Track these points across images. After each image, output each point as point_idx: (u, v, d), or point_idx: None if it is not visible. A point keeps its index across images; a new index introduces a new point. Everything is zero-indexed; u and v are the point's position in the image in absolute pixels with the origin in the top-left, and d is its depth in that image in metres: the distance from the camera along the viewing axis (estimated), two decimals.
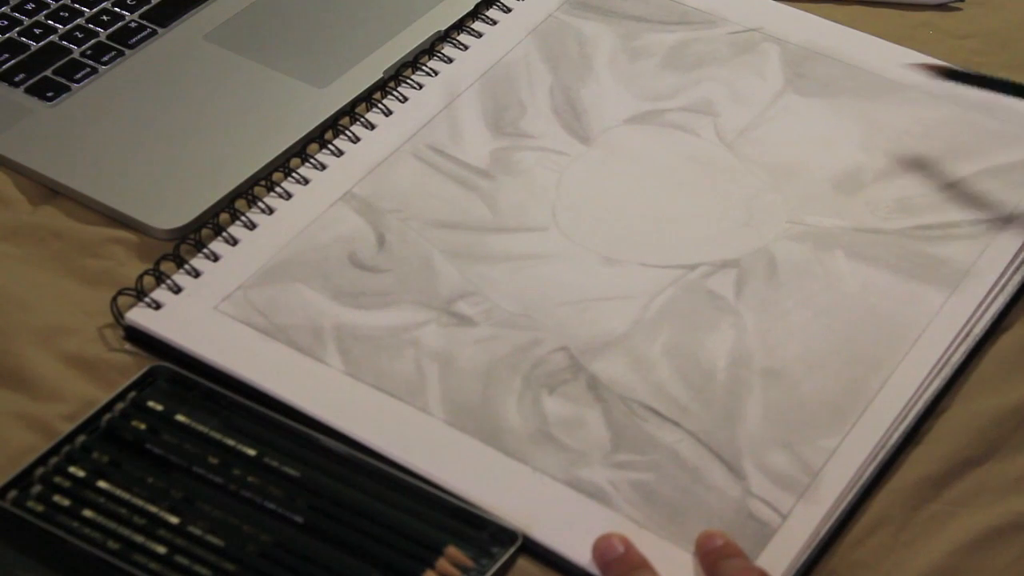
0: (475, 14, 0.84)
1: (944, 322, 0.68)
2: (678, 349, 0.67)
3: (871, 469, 0.63)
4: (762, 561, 0.60)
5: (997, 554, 0.61)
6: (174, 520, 0.61)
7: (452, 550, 0.60)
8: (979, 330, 0.69)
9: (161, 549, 0.60)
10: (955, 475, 0.64)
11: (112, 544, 0.60)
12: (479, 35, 0.82)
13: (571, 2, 0.84)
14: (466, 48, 0.82)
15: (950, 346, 0.67)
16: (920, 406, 0.66)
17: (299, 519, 0.61)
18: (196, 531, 0.60)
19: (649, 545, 0.60)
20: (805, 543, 0.61)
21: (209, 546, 0.60)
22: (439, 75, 0.80)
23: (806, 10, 0.84)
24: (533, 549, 0.61)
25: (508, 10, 0.84)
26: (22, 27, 0.82)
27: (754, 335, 0.68)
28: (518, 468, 0.63)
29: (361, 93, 0.79)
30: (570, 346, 0.67)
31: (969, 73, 0.77)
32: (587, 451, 0.64)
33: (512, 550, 0.61)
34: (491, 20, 0.83)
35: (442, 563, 0.60)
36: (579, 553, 0.60)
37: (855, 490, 0.63)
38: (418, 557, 0.60)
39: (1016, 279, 0.71)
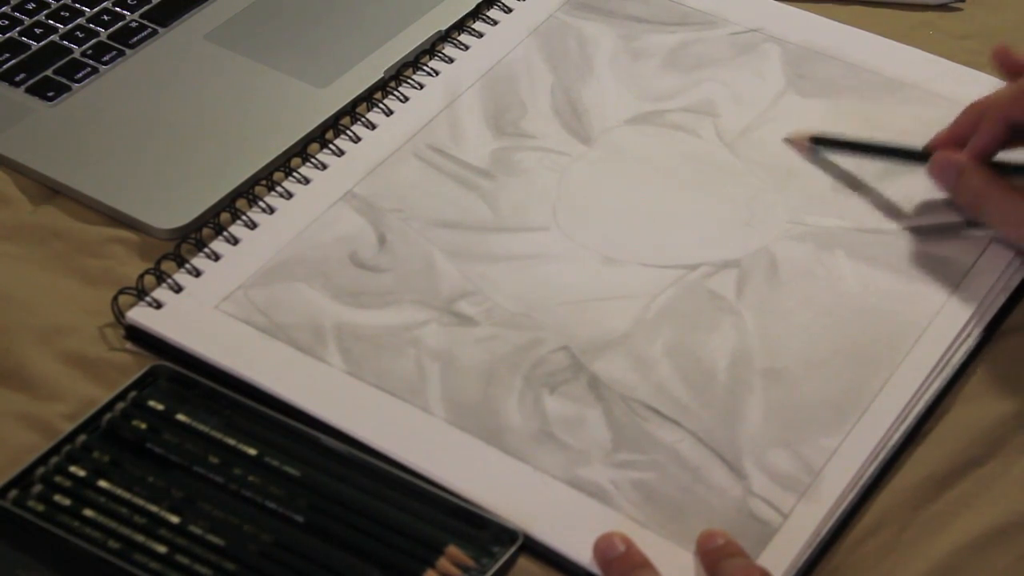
0: (476, 14, 0.83)
1: (945, 321, 0.68)
2: (679, 349, 0.67)
3: (872, 469, 0.63)
4: (763, 560, 0.60)
5: (999, 554, 0.61)
6: (175, 519, 0.61)
7: (453, 549, 0.60)
8: (980, 330, 0.69)
9: (162, 548, 0.60)
10: (957, 475, 0.64)
11: (113, 543, 0.60)
12: (480, 35, 0.82)
13: (572, 3, 0.84)
14: (467, 48, 0.82)
15: (951, 346, 0.67)
16: (921, 406, 0.66)
17: (300, 518, 0.61)
18: (197, 531, 0.60)
19: (650, 544, 0.60)
20: (806, 542, 0.61)
21: (210, 545, 0.60)
22: (440, 75, 0.80)
23: (807, 10, 0.84)
24: (534, 548, 0.61)
25: (509, 10, 0.84)
26: (23, 27, 0.82)
27: (755, 335, 0.68)
28: (519, 467, 0.63)
29: (362, 93, 0.79)
30: (571, 346, 0.67)
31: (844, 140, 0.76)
32: (588, 450, 0.63)
33: (513, 549, 0.60)
34: (492, 20, 0.83)
35: (443, 562, 0.60)
36: (580, 552, 0.60)
37: (856, 490, 0.63)
38: (419, 556, 0.60)
39: (1017, 279, 0.71)
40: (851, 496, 0.62)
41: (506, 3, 0.84)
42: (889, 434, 0.64)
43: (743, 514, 0.61)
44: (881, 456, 0.64)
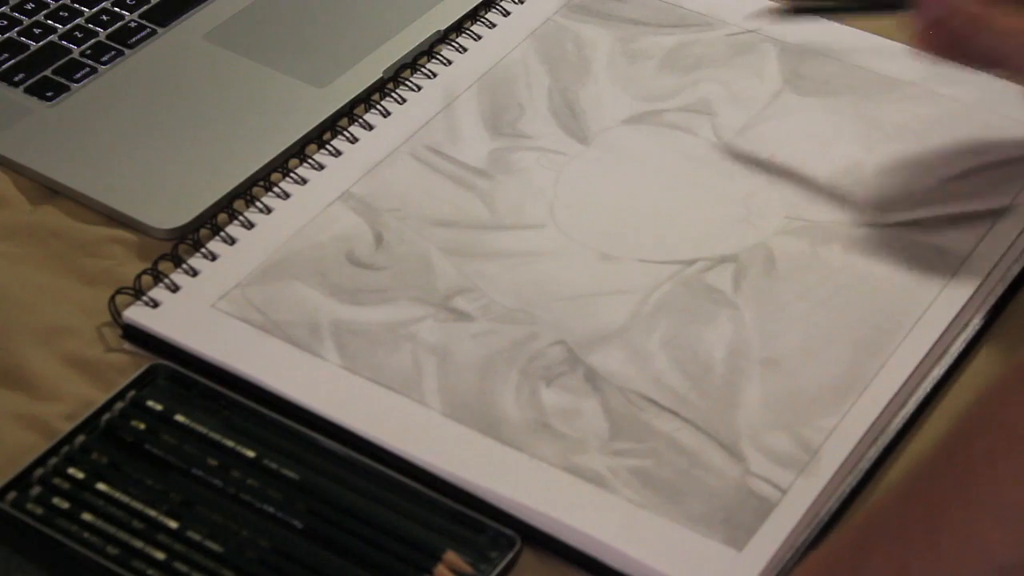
0: (473, 17, 0.84)
1: (942, 308, 0.68)
2: (676, 341, 0.67)
3: (872, 452, 0.63)
4: (763, 534, 0.59)
5: None
6: (173, 525, 0.60)
7: (451, 555, 0.60)
8: (979, 319, 0.68)
9: (160, 555, 0.59)
10: None
11: (111, 549, 0.59)
12: (477, 38, 0.82)
13: (569, 6, 0.84)
14: (464, 51, 0.82)
15: (948, 330, 0.67)
16: (920, 393, 0.65)
17: (298, 524, 0.60)
18: (195, 536, 0.60)
19: (649, 524, 0.60)
20: (806, 513, 0.60)
21: (208, 552, 0.59)
22: (437, 77, 0.80)
23: None
24: (531, 535, 0.61)
25: (507, 13, 0.84)
26: (22, 27, 0.82)
27: (752, 327, 0.68)
28: (515, 456, 0.63)
29: (360, 94, 0.79)
30: (567, 340, 0.67)
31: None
32: (585, 439, 0.63)
33: (511, 555, 0.60)
34: (490, 23, 0.83)
35: (440, 569, 0.59)
36: (577, 537, 0.60)
37: (856, 470, 0.62)
38: (417, 563, 0.59)
39: (1016, 268, 0.70)
40: (850, 478, 0.62)
41: (504, 6, 0.84)
42: (888, 414, 0.64)
43: (742, 492, 0.61)
44: (880, 440, 0.63)
